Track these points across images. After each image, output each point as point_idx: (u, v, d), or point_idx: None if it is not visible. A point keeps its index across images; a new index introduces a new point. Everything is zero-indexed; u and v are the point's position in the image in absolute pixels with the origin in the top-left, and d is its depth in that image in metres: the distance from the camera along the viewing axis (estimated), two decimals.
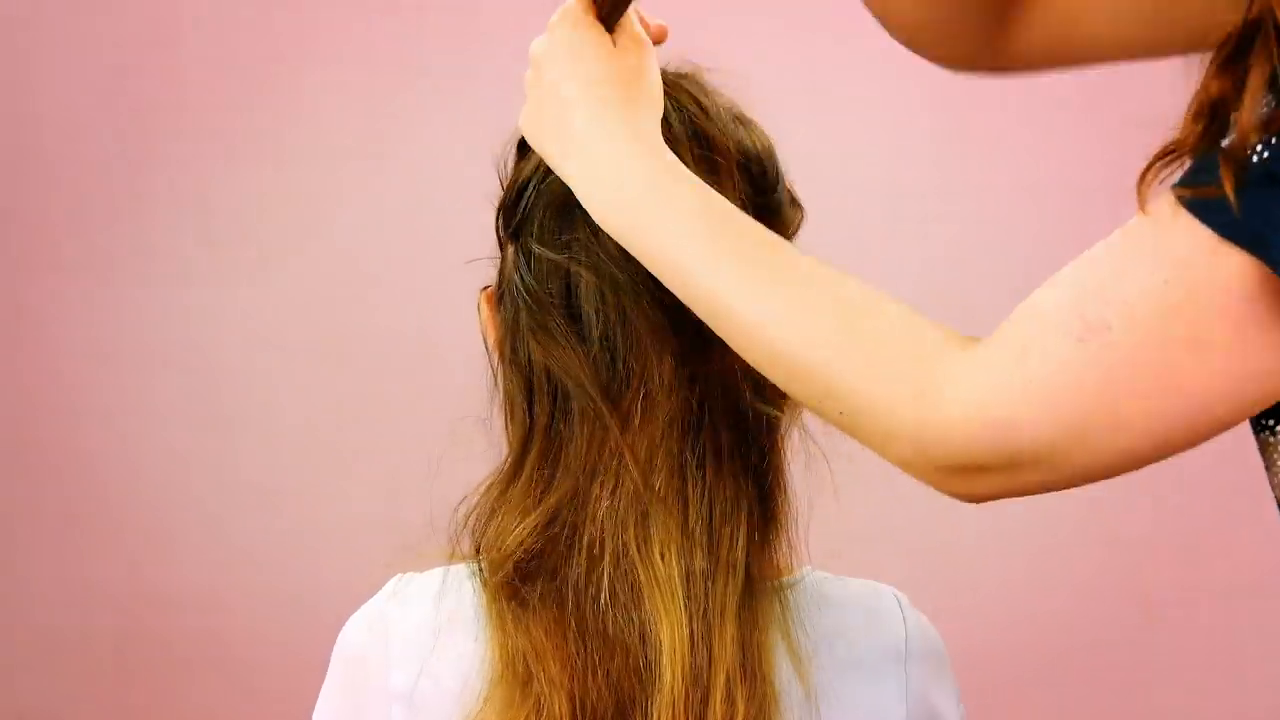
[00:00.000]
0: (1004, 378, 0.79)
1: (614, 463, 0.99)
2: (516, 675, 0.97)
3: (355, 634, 1.04)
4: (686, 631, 0.96)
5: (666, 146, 0.96)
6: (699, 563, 0.97)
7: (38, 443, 2.41)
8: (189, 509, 2.37)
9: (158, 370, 2.37)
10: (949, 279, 2.22)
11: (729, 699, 0.96)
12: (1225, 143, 0.78)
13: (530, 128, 0.99)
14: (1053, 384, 0.78)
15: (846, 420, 0.85)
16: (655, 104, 0.98)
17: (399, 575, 1.04)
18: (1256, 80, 0.78)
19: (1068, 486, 0.82)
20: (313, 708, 1.07)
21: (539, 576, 0.99)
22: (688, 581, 0.97)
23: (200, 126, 2.35)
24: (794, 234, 1.06)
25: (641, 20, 1.02)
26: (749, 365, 0.91)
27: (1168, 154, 0.81)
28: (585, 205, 0.95)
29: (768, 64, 2.22)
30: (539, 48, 1.00)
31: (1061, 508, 2.21)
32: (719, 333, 0.90)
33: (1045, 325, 0.79)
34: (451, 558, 1.03)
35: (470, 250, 1.09)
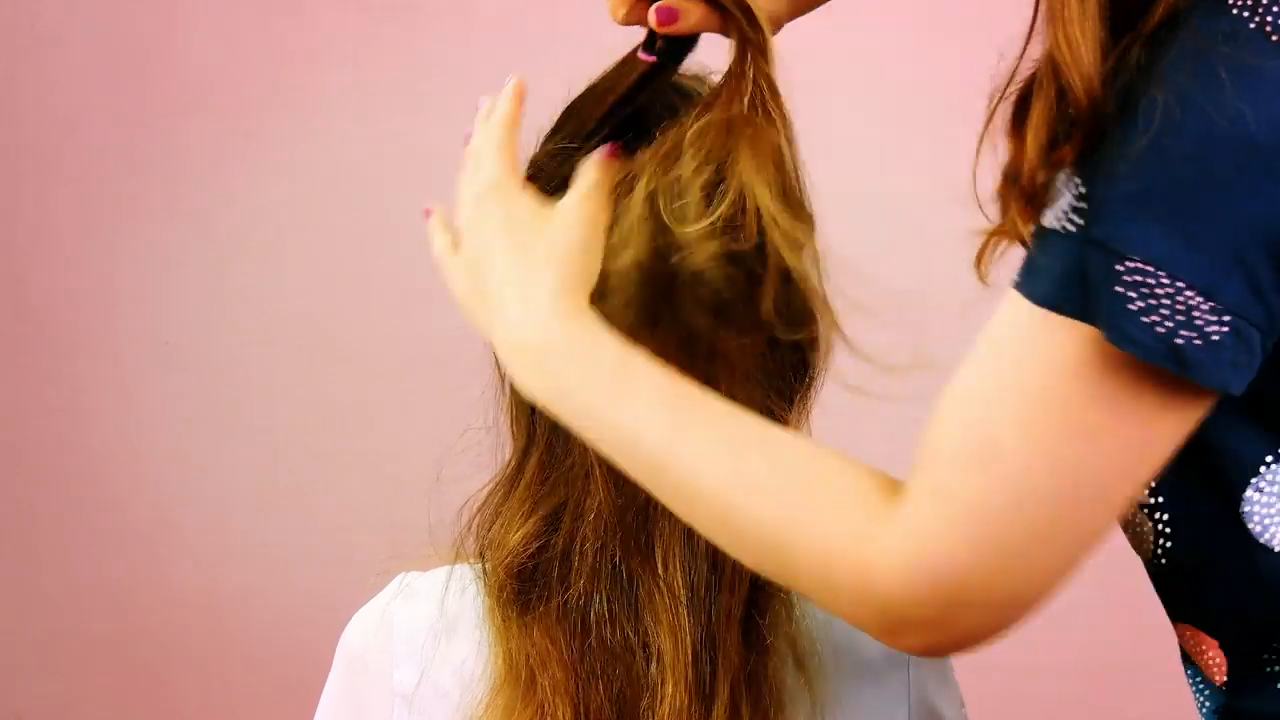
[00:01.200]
0: (925, 526, 0.79)
1: (623, 474, 0.99)
2: (519, 679, 0.97)
3: (358, 632, 1.04)
4: (689, 640, 0.96)
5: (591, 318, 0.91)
6: (703, 571, 0.97)
7: (38, 443, 2.40)
8: (189, 509, 2.37)
9: (158, 370, 2.37)
10: (949, 280, 2.21)
11: (733, 708, 0.96)
12: (1036, 212, 0.79)
13: (464, 295, 0.96)
14: (968, 516, 0.78)
15: (800, 583, 0.84)
16: (590, 276, 0.93)
17: (403, 574, 1.04)
18: (1037, 119, 0.79)
19: (1007, 624, 0.81)
20: (313, 708, 1.07)
21: (542, 580, 0.99)
22: (691, 590, 0.97)
23: (202, 126, 2.35)
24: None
25: None
26: (760, 375, 0.91)
27: (995, 234, 0.82)
28: (511, 370, 0.92)
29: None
30: (468, 215, 0.98)
31: None
32: (658, 493, 0.88)
33: (947, 462, 0.79)
34: (456, 559, 1.03)
35: None
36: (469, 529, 1.03)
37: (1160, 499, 0.90)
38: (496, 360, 1.06)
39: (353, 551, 1.78)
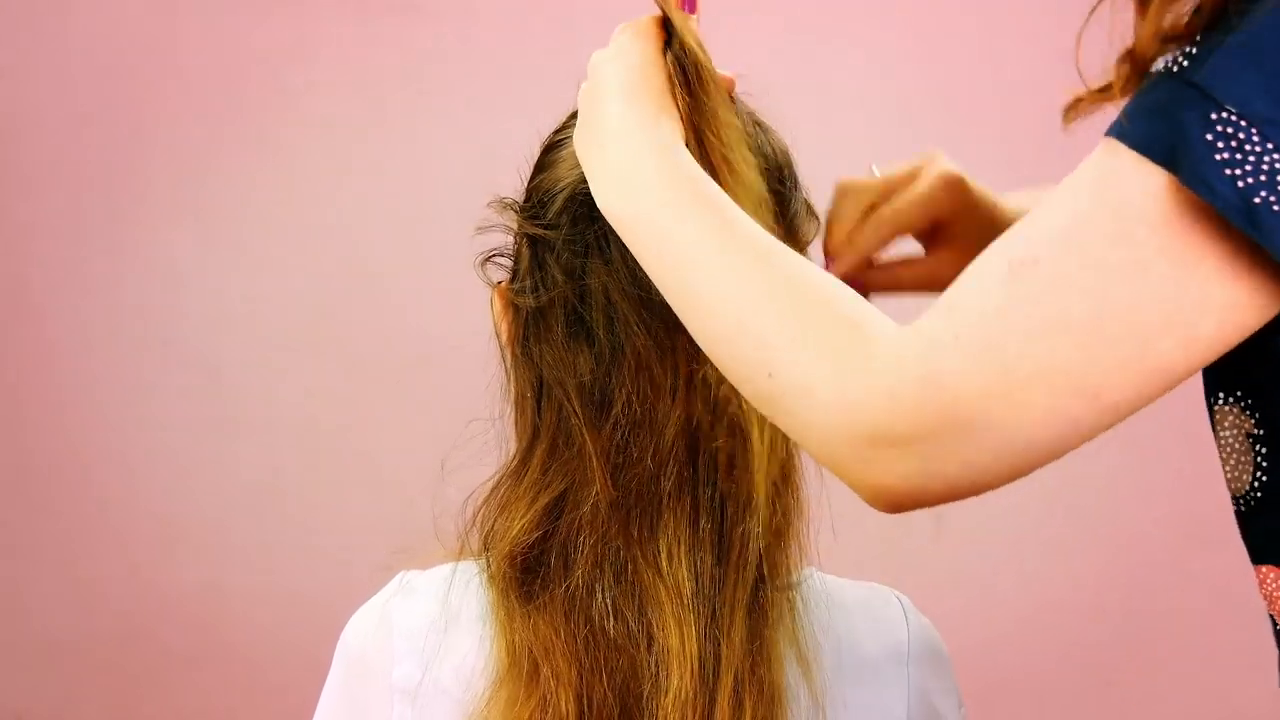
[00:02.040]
0: (930, 334, 0.74)
1: (620, 460, 0.99)
2: (522, 671, 0.97)
3: (358, 630, 1.04)
4: (694, 632, 0.96)
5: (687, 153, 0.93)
6: (708, 564, 0.97)
7: (37, 443, 2.40)
8: (189, 509, 2.37)
9: (158, 370, 2.37)
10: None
11: (736, 700, 0.96)
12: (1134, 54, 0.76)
13: (579, 130, 0.97)
14: (979, 329, 0.73)
15: (774, 390, 0.79)
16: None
17: (403, 571, 1.04)
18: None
19: (993, 474, 0.74)
20: (313, 708, 1.07)
21: (544, 570, 0.99)
22: (696, 582, 0.97)
23: (202, 126, 2.35)
24: (808, 245, 1.06)
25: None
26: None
27: (1100, 91, 0.79)
28: (592, 187, 0.93)
29: (769, 67, 2.22)
30: (598, 54, 0.98)
31: (1062, 508, 2.21)
32: (676, 305, 0.87)
33: (974, 277, 0.75)
34: (460, 555, 1.04)
35: (474, 249, 1.09)
36: (473, 522, 1.03)
37: (1263, 431, 0.83)
38: (504, 356, 1.06)
39: (353, 551, 1.78)
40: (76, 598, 2.39)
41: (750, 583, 0.98)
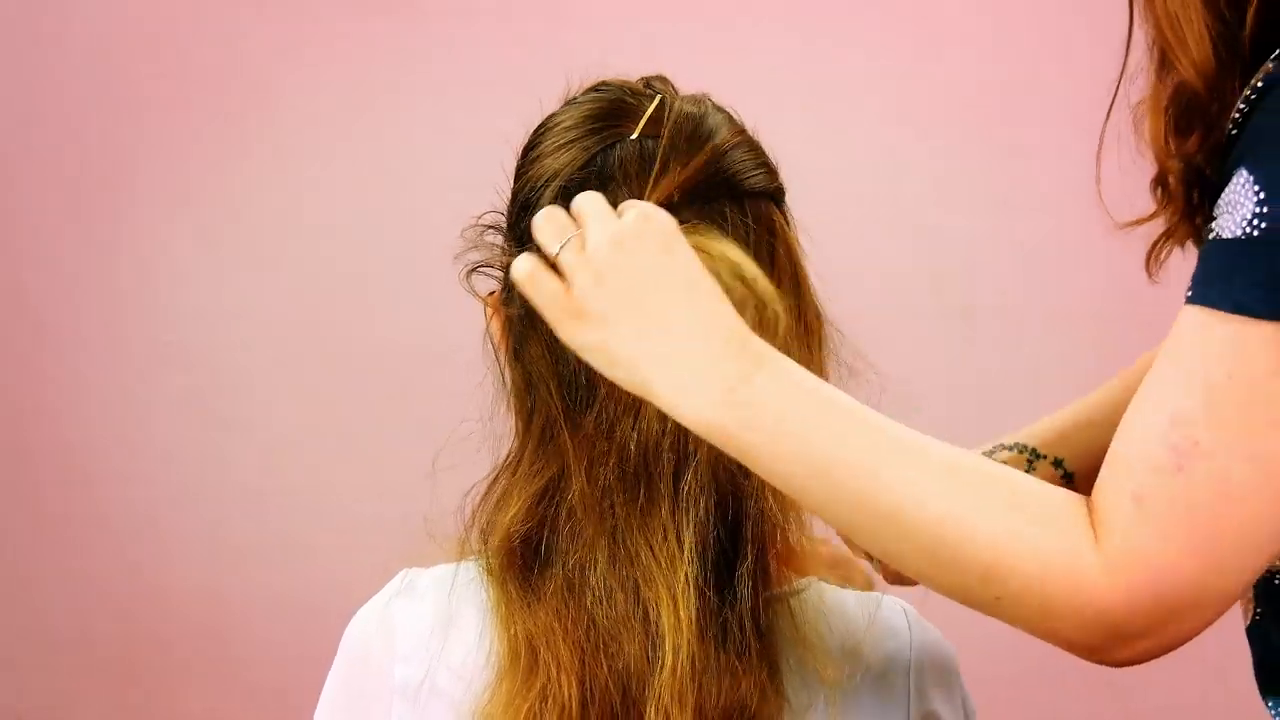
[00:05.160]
0: (1138, 538, 0.82)
1: (607, 447, 0.99)
2: (522, 662, 0.97)
3: (359, 629, 1.05)
4: (690, 609, 0.96)
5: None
6: (709, 556, 0.97)
7: (37, 443, 2.40)
8: (188, 509, 2.37)
9: (157, 370, 2.37)
10: (949, 284, 2.22)
11: (734, 684, 0.96)
12: (1212, 232, 0.81)
13: (598, 321, 0.92)
14: (1176, 523, 0.81)
15: (1005, 605, 0.86)
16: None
17: (405, 570, 1.05)
18: (1152, 106, 0.84)
19: (1215, 618, 0.84)
20: (313, 707, 1.07)
21: (542, 560, 0.99)
22: (694, 572, 0.97)
23: (201, 126, 2.35)
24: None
25: None
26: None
27: (1162, 240, 0.86)
28: (671, 408, 0.90)
29: (767, 69, 2.22)
30: (619, 229, 0.93)
31: None
32: (857, 527, 0.88)
33: (1145, 468, 0.82)
34: (461, 553, 1.04)
35: (474, 249, 1.09)
36: (473, 520, 1.03)
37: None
38: (496, 353, 1.06)
39: (353, 551, 1.78)
40: (76, 597, 2.39)
41: (748, 580, 0.98)
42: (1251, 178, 0.81)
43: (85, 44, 2.36)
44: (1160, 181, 0.85)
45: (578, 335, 0.92)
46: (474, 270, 1.07)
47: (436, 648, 1.00)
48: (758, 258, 0.98)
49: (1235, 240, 0.81)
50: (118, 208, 2.37)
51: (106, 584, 2.38)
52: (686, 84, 1.08)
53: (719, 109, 1.06)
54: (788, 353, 0.93)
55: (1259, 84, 0.82)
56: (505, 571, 1.00)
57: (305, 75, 2.33)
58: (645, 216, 0.92)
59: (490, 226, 1.07)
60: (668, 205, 0.97)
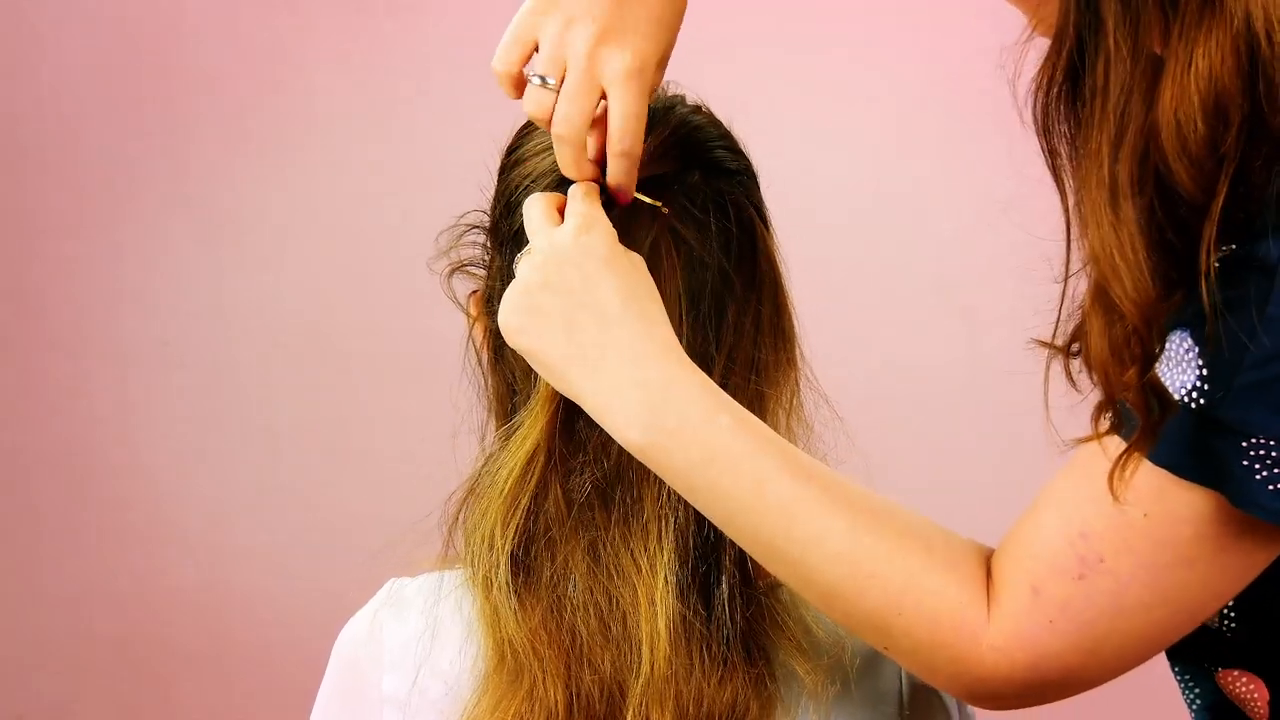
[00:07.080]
0: (1028, 628, 0.89)
1: (591, 454, 0.99)
2: (509, 668, 0.97)
3: (350, 640, 1.05)
4: (668, 611, 0.96)
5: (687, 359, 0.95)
6: (690, 562, 0.97)
7: (38, 443, 2.41)
8: (189, 509, 2.37)
9: (158, 370, 2.37)
10: (949, 284, 2.22)
11: (721, 686, 0.96)
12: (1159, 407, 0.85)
13: (536, 330, 0.96)
14: (1068, 621, 0.88)
15: (893, 655, 0.93)
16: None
17: (391, 580, 1.05)
18: (1094, 339, 0.86)
19: (1079, 692, 0.92)
20: (312, 708, 1.08)
21: (527, 566, 0.99)
22: (677, 571, 0.97)
23: (201, 126, 2.35)
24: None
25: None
26: (743, 363, 0.94)
27: (1104, 407, 0.87)
28: (607, 422, 0.94)
29: (766, 70, 2.22)
30: (550, 246, 0.97)
31: None
32: (771, 559, 0.93)
33: (1048, 568, 0.89)
34: (446, 560, 1.04)
35: (472, 250, 1.09)
36: (456, 523, 1.03)
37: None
38: (479, 361, 1.06)
39: (352, 551, 1.77)
40: (77, 597, 2.39)
41: (734, 582, 0.98)
42: (1196, 350, 0.84)
43: (85, 44, 2.36)
44: (1102, 406, 0.87)
45: (516, 340, 0.96)
46: (456, 270, 1.07)
47: (424, 656, 1.00)
48: (724, 251, 1.00)
49: (1177, 404, 0.85)
50: (118, 208, 2.37)
51: (107, 584, 2.38)
52: (683, 86, 1.08)
53: (698, 108, 1.06)
54: (759, 358, 0.97)
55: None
56: (490, 579, 1.00)
57: (305, 76, 2.34)
58: (583, 228, 0.95)
59: (474, 226, 1.07)
60: (642, 185, 0.99)
